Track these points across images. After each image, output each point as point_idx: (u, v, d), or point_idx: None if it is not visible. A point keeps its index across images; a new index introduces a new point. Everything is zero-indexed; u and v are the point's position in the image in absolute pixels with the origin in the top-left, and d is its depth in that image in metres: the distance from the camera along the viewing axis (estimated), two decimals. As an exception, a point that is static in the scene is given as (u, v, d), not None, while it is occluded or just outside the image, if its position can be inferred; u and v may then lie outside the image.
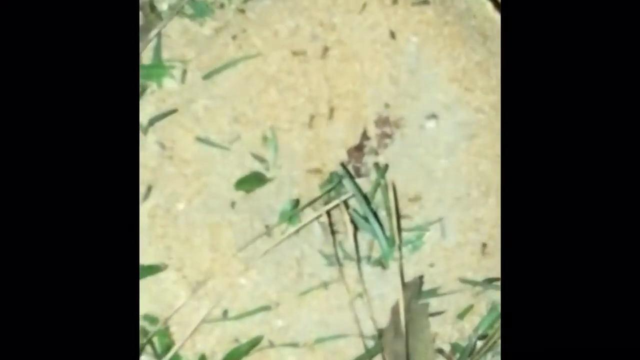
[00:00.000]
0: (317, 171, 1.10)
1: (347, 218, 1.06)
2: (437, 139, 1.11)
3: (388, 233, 1.07)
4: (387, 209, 1.07)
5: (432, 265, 1.10)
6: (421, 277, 1.09)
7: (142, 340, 1.03)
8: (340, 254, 1.08)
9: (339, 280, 1.06)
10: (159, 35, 1.11)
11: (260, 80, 1.11)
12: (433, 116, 1.11)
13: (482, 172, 1.12)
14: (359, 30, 1.12)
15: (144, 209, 1.08)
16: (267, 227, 1.08)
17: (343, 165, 1.10)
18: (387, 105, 1.12)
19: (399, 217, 1.08)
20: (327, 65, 1.11)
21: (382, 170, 1.09)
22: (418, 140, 1.11)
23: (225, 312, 1.06)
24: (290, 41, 1.12)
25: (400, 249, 1.07)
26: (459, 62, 1.13)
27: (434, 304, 1.09)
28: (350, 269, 1.08)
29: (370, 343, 1.06)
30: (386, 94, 1.12)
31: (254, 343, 1.06)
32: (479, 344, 1.08)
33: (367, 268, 1.09)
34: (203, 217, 1.08)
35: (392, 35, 1.12)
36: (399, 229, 1.07)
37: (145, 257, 1.07)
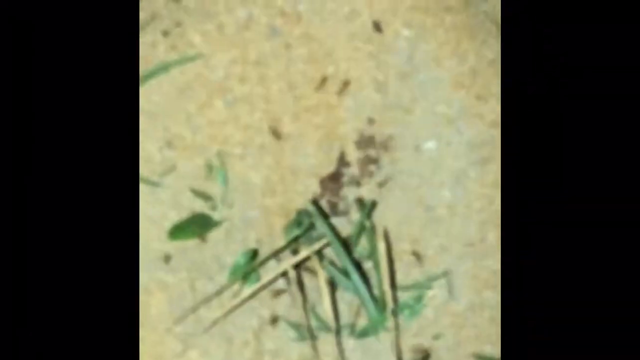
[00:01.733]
0: (281, 210, 1.03)
1: (321, 273, 1.00)
2: (439, 165, 1.06)
3: (377, 293, 1.01)
4: (375, 260, 1.01)
5: (437, 337, 1.03)
6: (427, 356, 1.03)
7: None
8: (314, 323, 1.01)
9: (312, 359, 1.01)
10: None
11: (201, 91, 1.05)
12: (433, 135, 1.06)
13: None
14: (332, 22, 1.07)
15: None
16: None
17: (314, 201, 1.03)
18: (371, 121, 1.05)
19: (392, 271, 1.02)
20: (290, 68, 1.06)
21: (367, 207, 1.02)
22: (413, 167, 1.05)
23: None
24: (241, 37, 1.06)
25: (395, 314, 1.01)
26: (467, 62, 1.07)
27: (441, 390, 1.05)
28: (327, 343, 1.02)
29: None
30: (370, 105, 1.05)
31: None
32: None
33: (349, 342, 1.02)
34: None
35: (377, 27, 1.06)
36: (393, 288, 1.01)
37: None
